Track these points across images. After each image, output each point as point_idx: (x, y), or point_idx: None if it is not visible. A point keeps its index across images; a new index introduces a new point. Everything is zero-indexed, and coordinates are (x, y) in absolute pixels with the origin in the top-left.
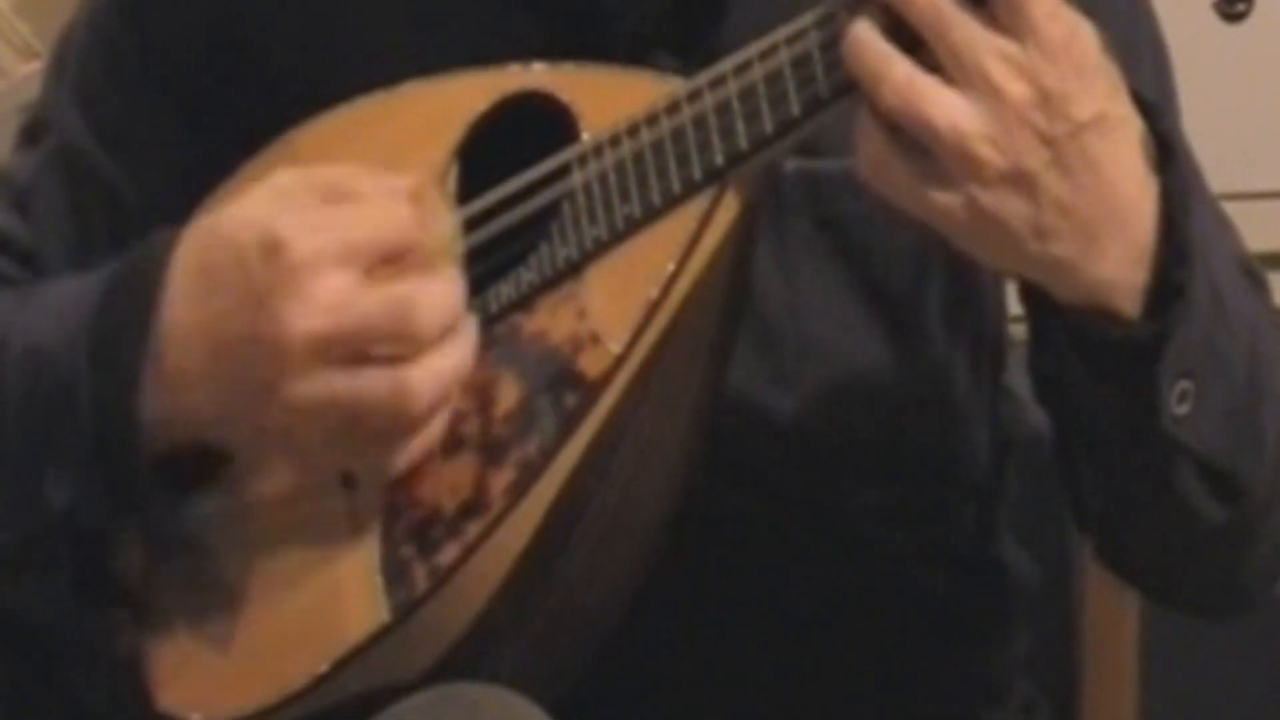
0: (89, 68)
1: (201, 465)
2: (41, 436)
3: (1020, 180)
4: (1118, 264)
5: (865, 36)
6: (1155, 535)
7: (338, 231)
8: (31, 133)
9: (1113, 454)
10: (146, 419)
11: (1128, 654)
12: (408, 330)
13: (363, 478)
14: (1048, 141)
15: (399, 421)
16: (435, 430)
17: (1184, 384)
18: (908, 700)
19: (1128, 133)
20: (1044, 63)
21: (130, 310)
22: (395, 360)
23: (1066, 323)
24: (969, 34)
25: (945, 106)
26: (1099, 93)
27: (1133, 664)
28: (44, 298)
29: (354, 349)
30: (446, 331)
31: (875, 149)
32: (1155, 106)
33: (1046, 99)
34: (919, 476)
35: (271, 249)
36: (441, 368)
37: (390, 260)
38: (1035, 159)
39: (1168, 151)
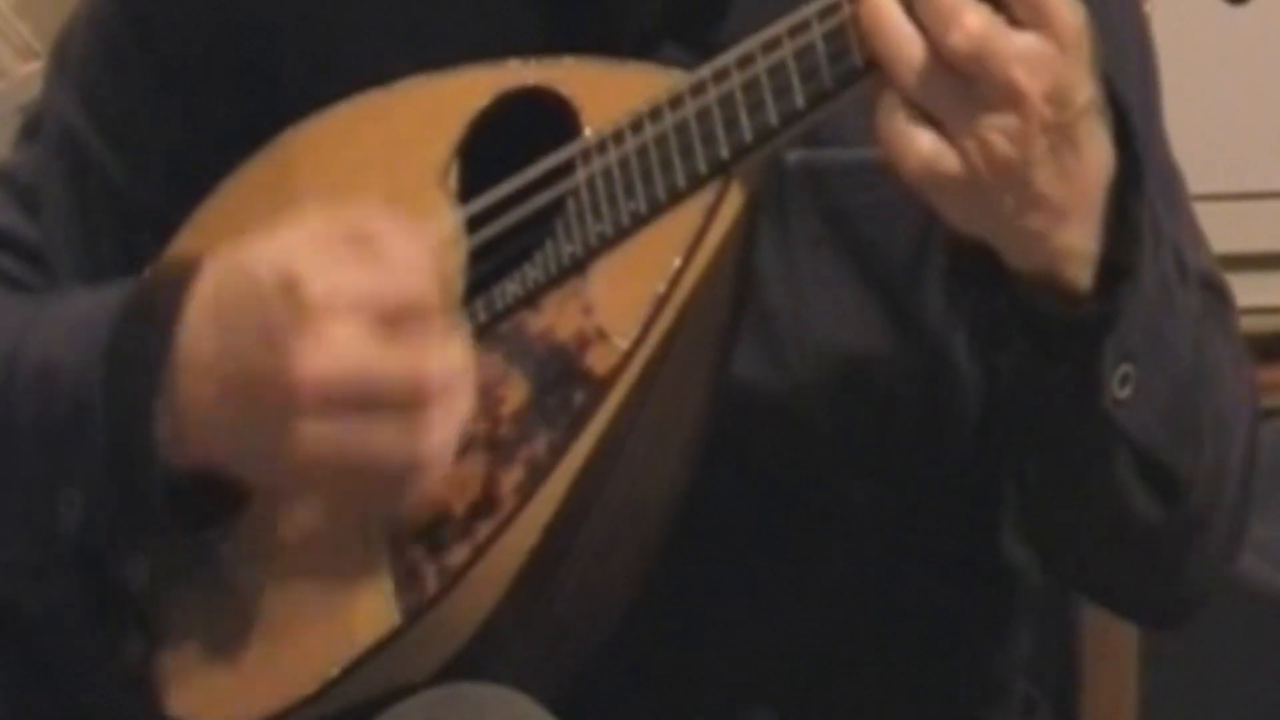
0: (90, 65)
1: (215, 492)
2: (54, 455)
3: (1022, 165)
4: (1079, 236)
5: (885, 10)
6: (1093, 530)
7: (357, 278)
8: (32, 127)
9: (1054, 435)
10: (160, 442)
11: (1128, 654)
12: (417, 392)
13: None
14: (1049, 129)
15: (408, 474)
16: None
17: (1126, 368)
18: (908, 699)
19: (1101, 116)
20: (1060, 55)
21: (146, 336)
22: (404, 414)
23: (1015, 299)
24: (993, 42)
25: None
26: (1089, 78)
27: (1133, 664)
28: (56, 313)
29: (363, 397)
30: (452, 390)
31: (897, 128)
32: (1119, 93)
33: (1058, 91)
34: (917, 470)
35: (288, 285)
36: (450, 425)
37: (405, 317)
38: (1037, 147)
39: (1126, 139)
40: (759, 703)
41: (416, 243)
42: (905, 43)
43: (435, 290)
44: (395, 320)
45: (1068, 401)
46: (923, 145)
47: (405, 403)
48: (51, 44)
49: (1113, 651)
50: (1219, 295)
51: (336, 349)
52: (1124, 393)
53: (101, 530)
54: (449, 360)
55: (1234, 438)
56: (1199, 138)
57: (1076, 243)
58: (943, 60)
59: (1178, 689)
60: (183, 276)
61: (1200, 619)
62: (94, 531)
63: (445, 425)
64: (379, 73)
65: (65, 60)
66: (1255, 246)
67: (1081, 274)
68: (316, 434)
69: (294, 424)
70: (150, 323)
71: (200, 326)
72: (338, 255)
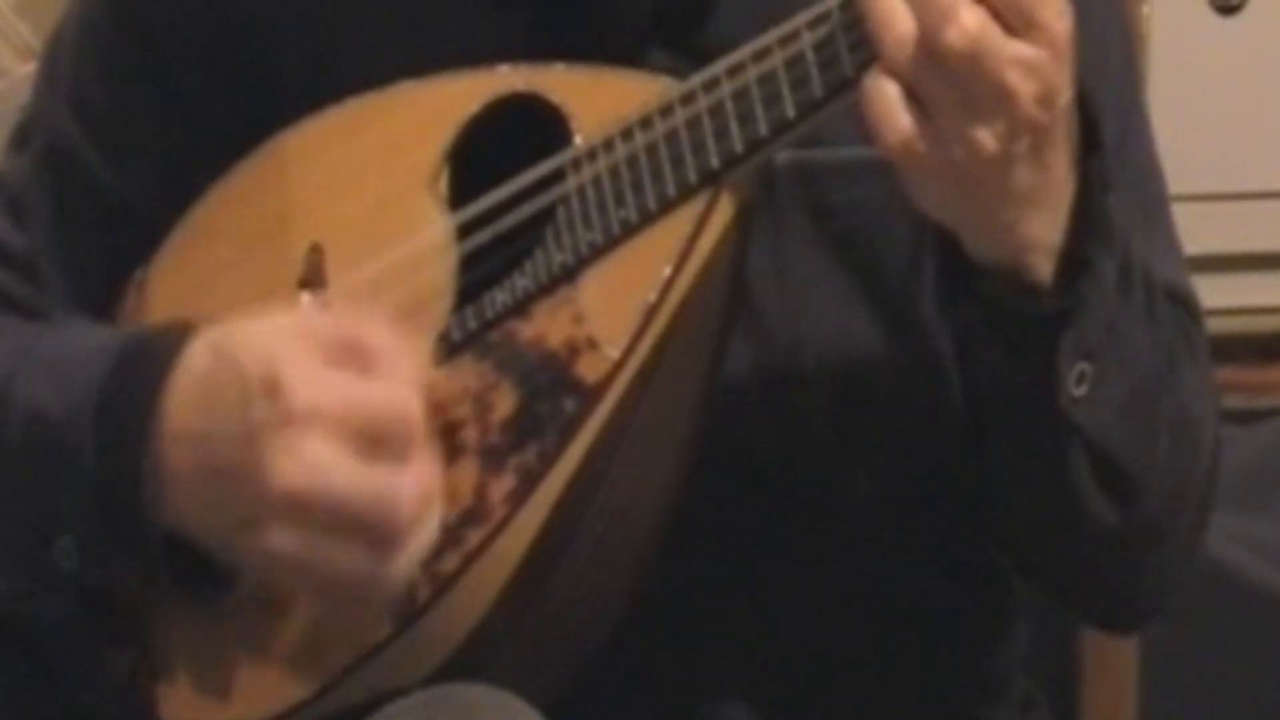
0: (82, 70)
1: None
2: (47, 504)
3: (1004, 162)
4: (1044, 225)
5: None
6: (1049, 529)
7: (341, 395)
8: (21, 137)
9: (1013, 433)
10: (148, 502)
11: (1128, 653)
12: (383, 522)
13: None
14: (1034, 129)
15: (369, 596)
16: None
17: (1083, 365)
18: (906, 695)
19: (1073, 116)
20: (1053, 62)
21: (134, 399)
22: (372, 540)
23: (979, 292)
24: (989, 43)
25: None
26: (1070, 80)
27: (1133, 663)
28: (47, 353)
29: (328, 517)
30: (420, 520)
31: (886, 98)
32: (1091, 96)
33: (1047, 95)
34: (914, 468)
35: (272, 388)
36: (414, 556)
37: (385, 437)
38: (1021, 144)
39: (1095, 139)
40: (757, 700)
41: (406, 356)
42: (899, 22)
43: (418, 410)
44: (375, 439)
45: (1027, 398)
46: (905, 124)
47: (374, 529)
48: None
49: (1113, 650)
50: (1188, 310)
51: (311, 464)
52: (1080, 390)
53: (100, 574)
54: (422, 485)
55: (1199, 451)
56: (1198, 138)
57: (1042, 232)
58: (935, 52)
59: (1178, 688)
60: (173, 342)
61: (1200, 619)
62: (91, 574)
63: (410, 555)
64: (376, 75)
65: (55, 67)
66: (1255, 246)
67: (1044, 265)
68: (280, 541)
69: (259, 526)
70: (138, 386)
71: (184, 402)
72: (325, 362)
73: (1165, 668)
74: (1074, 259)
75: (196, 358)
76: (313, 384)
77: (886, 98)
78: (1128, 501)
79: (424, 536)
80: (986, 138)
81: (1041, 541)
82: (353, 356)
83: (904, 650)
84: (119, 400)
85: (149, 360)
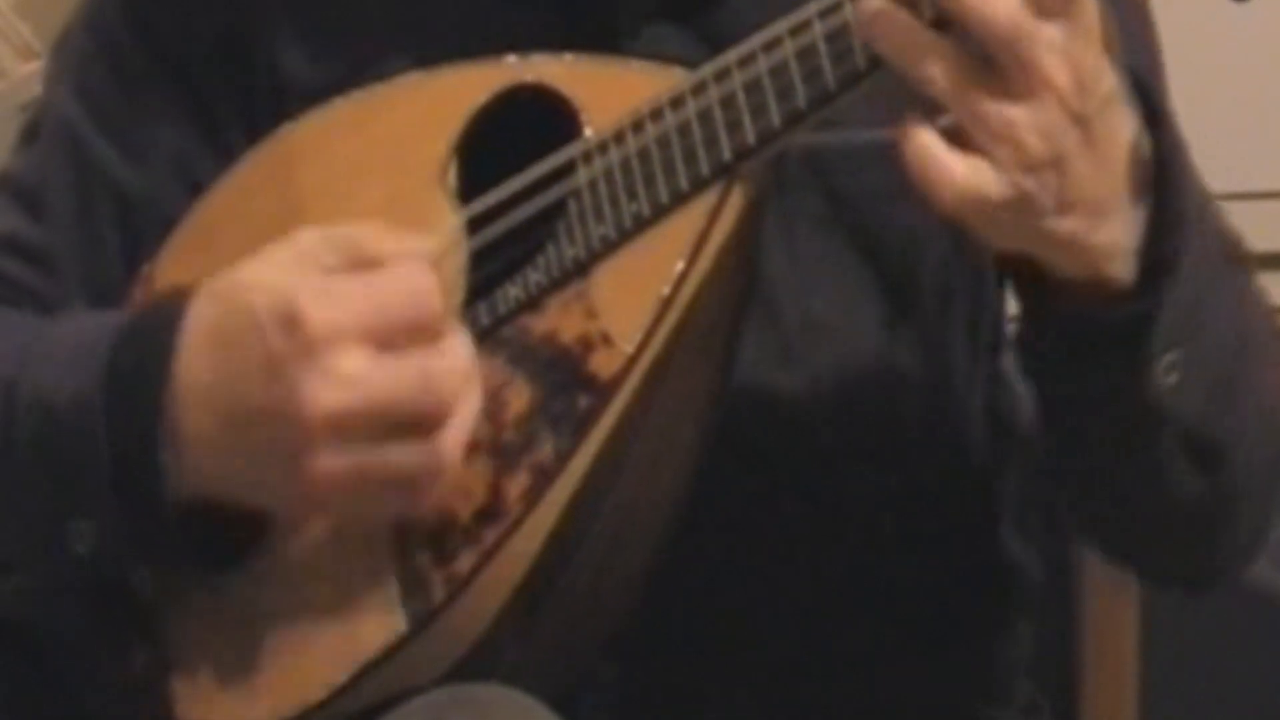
0: (91, 67)
1: (226, 524)
2: (59, 486)
3: (1057, 163)
4: (1117, 231)
5: (898, 20)
6: (1133, 505)
7: (357, 304)
8: (32, 131)
9: (1098, 430)
10: (166, 470)
11: (1128, 654)
12: (430, 405)
13: None
14: (1079, 121)
15: (428, 485)
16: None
17: (1172, 356)
18: (907, 695)
19: (1124, 104)
20: (1082, 44)
21: (143, 366)
22: (420, 429)
23: (1060, 303)
24: (1019, 26)
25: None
26: (1108, 66)
27: (1133, 664)
28: (51, 341)
29: (375, 423)
30: (463, 392)
31: (930, 155)
32: (1144, 78)
33: (1083, 80)
34: (917, 461)
35: (289, 320)
36: (464, 427)
37: (409, 332)
38: (1070, 139)
39: (1157, 122)
40: (760, 699)
41: (409, 250)
42: (930, 48)
43: (435, 295)
44: (400, 331)
45: (1116, 398)
46: (958, 172)
47: (420, 420)
48: (51, 45)
49: (1113, 651)
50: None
51: (346, 381)
52: (1171, 379)
53: (116, 557)
54: (457, 363)
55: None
56: (1199, 138)
57: (1117, 238)
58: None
59: (1178, 689)
60: (176, 305)
61: (1200, 619)
62: (108, 558)
63: (460, 428)
64: (382, 63)
65: (64, 63)
66: (1255, 246)
67: (1123, 271)
68: (331, 464)
69: (306, 457)
70: (145, 351)
71: (197, 356)
72: (333, 281)
73: (1166, 669)
74: (1156, 259)
75: (202, 311)
76: (326, 303)
77: (930, 156)
78: (1214, 470)
79: (470, 407)
80: (1032, 141)
81: (1128, 520)
82: (355, 262)
83: (905, 650)
84: (127, 372)
85: (153, 328)
